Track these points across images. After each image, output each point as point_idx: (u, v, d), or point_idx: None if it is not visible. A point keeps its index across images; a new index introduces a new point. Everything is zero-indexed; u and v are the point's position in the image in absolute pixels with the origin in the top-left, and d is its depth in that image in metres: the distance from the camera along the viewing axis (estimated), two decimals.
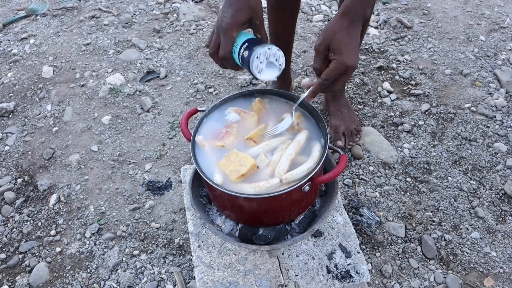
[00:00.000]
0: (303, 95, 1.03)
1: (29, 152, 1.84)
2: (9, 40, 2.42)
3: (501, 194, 1.63)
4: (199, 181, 1.21)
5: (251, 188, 0.97)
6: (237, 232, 1.11)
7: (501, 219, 1.57)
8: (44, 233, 1.58)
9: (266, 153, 1.04)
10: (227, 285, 1.21)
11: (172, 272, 1.45)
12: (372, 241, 1.51)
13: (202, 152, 1.06)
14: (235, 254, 1.27)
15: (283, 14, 1.64)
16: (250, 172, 1.00)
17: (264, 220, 1.08)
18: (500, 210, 1.59)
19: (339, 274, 1.23)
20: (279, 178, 0.98)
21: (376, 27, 2.43)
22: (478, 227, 1.54)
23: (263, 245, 1.06)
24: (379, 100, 1.98)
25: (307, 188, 0.98)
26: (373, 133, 1.83)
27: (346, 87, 2.04)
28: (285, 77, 1.89)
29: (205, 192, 1.22)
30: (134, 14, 2.54)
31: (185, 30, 2.40)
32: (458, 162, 1.73)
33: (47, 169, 1.78)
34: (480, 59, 2.15)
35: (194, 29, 2.39)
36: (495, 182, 1.66)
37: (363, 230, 1.54)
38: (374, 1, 0.96)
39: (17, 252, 1.54)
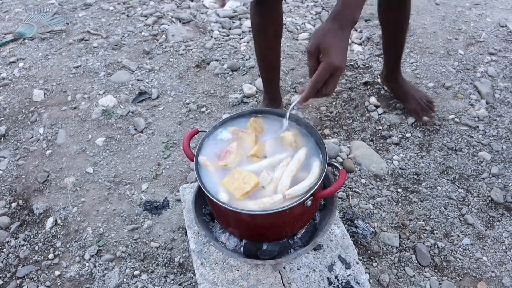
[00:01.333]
0: (296, 100, 1.08)
1: (23, 176, 1.84)
2: None
3: (488, 201, 1.70)
4: (201, 200, 1.23)
5: (255, 205, 1.01)
6: (242, 248, 1.14)
7: (489, 225, 1.63)
8: (42, 257, 1.57)
9: (268, 171, 1.07)
10: None
11: None
12: (369, 251, 1.55)
13: (205, 172, 1.09)
14: (238, 270, 1.29)
15: (266, 37, 1.71)
16: (254, 189, 1.04)
17: (268, 236, 1.11)
18: (488, 216, 1.65)
19: (340, 285, 1.26)
20: (282, 194, 1.02)
21: (360, 44, 2.51)
22: (469, 234, 1.60)
23: (268, 260, 1.09)
24: (367, 115, 2.05)
25: (309, 203, 1.02)
26: (363, 147, 1.89)
27: (333, 102, 2.10)
28: (275, 96, 1.94)
29: (207, 210, 1.25)
30: (123, 36, 2.58)
31: (174, 51, 2.44)
32: (445, 172, 1.80)
33: (42, 193, 1.77)
34: (460, 72, 2.25)
35: (183, 50, 2.44)
36: (481, 189, 1.73)
37: (359, 241, 1.58)
38: (362, 5, 1.01)
39: (14, 278, 1.53)
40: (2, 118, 2.09)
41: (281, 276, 1.28)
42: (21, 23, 2.72)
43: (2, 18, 2.85)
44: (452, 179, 1.78)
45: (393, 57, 1.97)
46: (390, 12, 1.77)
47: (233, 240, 1.17)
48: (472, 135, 1.93)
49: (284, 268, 1.30)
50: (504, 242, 1.57)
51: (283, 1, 1.66)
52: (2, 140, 2.00)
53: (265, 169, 1.08)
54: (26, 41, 2.58)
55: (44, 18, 2.72)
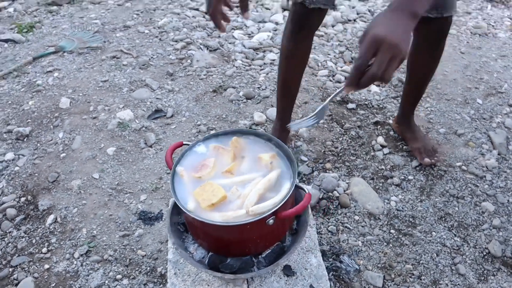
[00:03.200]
0: (341, 87, 0.95)
1: (36, 174, 1.97)
2: (36, 72, 2.64)
3: (485, 253, 1.63)
4: (178, 210, 1.28)
5: (219, 216, 1.05)
6: (207, 260, 1.17)
7: (483, 278, 1.56)
8: (37, 250, 1.66)
9: (238, 187, 1.11)
10: None
11: None
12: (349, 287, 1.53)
13: (180, 182, 1.15)
14: (208, 285, 1.31)
15: (294, 63, 1.76)
16: (221, 202, 1.08)
17: (231, 250, 1.14)
18: (483, 269, 1.59)
19: None
20: (246, 210, 1.05)
21: (378, 85, 2.54)
22: (459, 284, 1.54)
23: (228, 274, 1.11)
24: (372, 153, 2.05)
25: (271, 221, 1.04)
26: (362, 184, 1.88)
27: (340, 138, 2.12)
28: (286, 125, 1.98)
29: (183, 220, 1.29)
30: (151, 57, 2.74)
31: (196, 75, 2.57)
32: (443, 218, 1.76)
33: (49, 191, 1.89)
34: (476, 121, 2.21)
35: (204, 75, 2.56)
36: (479, 240, 1.67)
37: (341, 277, 1.56)
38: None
39: (8, 266, 1.62)
40: (29, 120, 2.27)
41: None
42: (65, 37, 2.97)
43: (50, 32, 3.12)
44: (450, 226, 1.73)
45: (411, 101, 1.98)
46: (421, 56, 1.73)
47: (200, 252, 1.20)
48: (478, 184, 1.88)
49: None
50: None
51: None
52: (25, 140, 2.15)
53: (235, 185, 1.12)
54: (65, 54, 2.80)
55: (86, 35, 2.95)
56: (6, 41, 2.98)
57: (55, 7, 3.47)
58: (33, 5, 3.54)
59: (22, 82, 2.56)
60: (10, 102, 2.41)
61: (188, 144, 1.25)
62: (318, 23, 1.68)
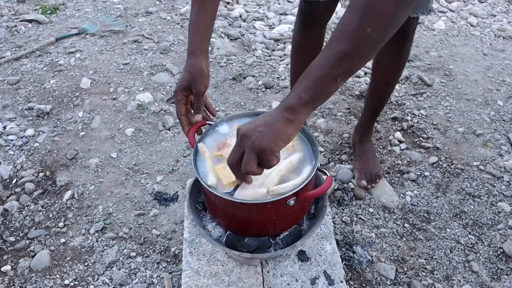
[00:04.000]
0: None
1: (55, 151, 1.99)
2: (58, 52, 2.67)
3: (499, 252, 1.62)
4: (197, 189, 1.30)
5: (239, 195, 1.05)
6: (224, 239, 1.18)
7: (496, 276, 1.55)
8: (53, 224, 1.69)
9: None
10: None
11: (163, 278, 1.51)
12: (361, 278, 1.53)
13: (202, 159, 1.16)
14: (223, 265, 1.32)
15: (306, 57, 1.76)
16: (242, 181, 1.08)
17: (249, 229, 1.14)
18: (496, 268, 1.58)
19: None
20: (267, 189, 1.06)
21: (398, 82, 2.52)
22: (471, 281, 1.53)
23: (245, 253, 1.12)
24: (389, 148, 2.04)
25: (292, 202, 1.04)
26: None
27: None
28: None
29: (201, 199, 1.30)
30: (173, 43, 2.76)
31: (216, 62, 2.58)
32: (459, 216, 1.75)
33: (67, 168, 1.91)
34: (495, 122, 2.19)
35: (224, 63, 2.57)
36: (494, 239, 1.66)
37: (353, 267, 1.56)
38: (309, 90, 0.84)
39: (25, 238, 1.65)
40: (50, 99, 2.30)
41: (263, 279, 1.29)
42: (87, 20, 3.00)
43: (73, 15, 3.16)
44: (465, 224, 1.72)
45: (371, 109, 1.82)
46: (383, 58, 1.61)
47: (218, 231, 1.21)
48: (495, 184, 1.86)
49: (268, 272, 1.31)
50: None
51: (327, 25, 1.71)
52: (45, 117, 2.19)
53: None
54: (87, 36, 2.83)
55: (108, 19, 2.98)
56: (30, 21, 3.02)
57: None
58: None
59: (45, 61, 2.59)
60: (32, 80, 2.45)
61: (211, 124, 1.25)
62: (328, 16, 1.64)
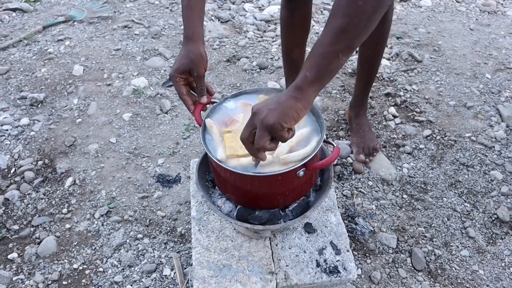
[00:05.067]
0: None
1: (52, 139, 1.98)
2: (46, 41, 2.63)
3: (493, 218, 1.69)
4: (205, 167, 1.31)
5: (247, 163, 1.07)
6: (235, 213, 1.20)
7: (491, 241, 1.62)
8: (57, 211, 1.69)
9: None
10: (221, 267, 1.29)
11: (171, 257, 1.53)
12: (364, 248, 1.58)
13: (209, 134, 1.18)
14: (232, 241, 1.35)
15: (294, 32, 1.78)
16: (247, 156, 1.09)
17: (259, 203, 1.17)
18: (491, 233, 1.64)
19: (327, 268, 1.30)
20: (278, 157, 1.07)
21: (388, 59, 2.56)
22: (469, 246, 1.60)
23: (257, 225, 1.15)
24: (384, 123, 2.08)
25: (301, 173, 1.07)
26: None
27: None
28: None
29: (210, 177, 1.32)
30: (163, 27, 2.74)
31: (209, 45, 2.57)
32: (454, 185, 1.81)
33: (66, 155, 1.91)
34: (484, 95, 2.25)
35: (217, 45, 2.57)
36: (488, 206, 1.73)
37: (356, 238, 1.61)
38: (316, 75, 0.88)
39: (29, 225, 1.65)
40: (43, 87, 2.27)
41: (272, 252, 1.33)
42: (74, 8, 2.95)
43: (58, 2, 3.10)
44: (460, 192, 1.78)
45: (363, 80, 1.85)
46: None
47: (228, 205, 1.24)
48: (487, 154, 1.93)
49: (277, 245, 1.35)
50: (504, 259, 1.56)
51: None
52: (39, 105, 2.16)
53: None
54: (75, 23, 2.79)
55: (95, 5, 2.94)
56: (14, 10, 2.95)
57: None
58: None
59: (33, 50, 2.55)
60: (22, 69, 2.41)
61: (216, 102, 1.27)
62: None
